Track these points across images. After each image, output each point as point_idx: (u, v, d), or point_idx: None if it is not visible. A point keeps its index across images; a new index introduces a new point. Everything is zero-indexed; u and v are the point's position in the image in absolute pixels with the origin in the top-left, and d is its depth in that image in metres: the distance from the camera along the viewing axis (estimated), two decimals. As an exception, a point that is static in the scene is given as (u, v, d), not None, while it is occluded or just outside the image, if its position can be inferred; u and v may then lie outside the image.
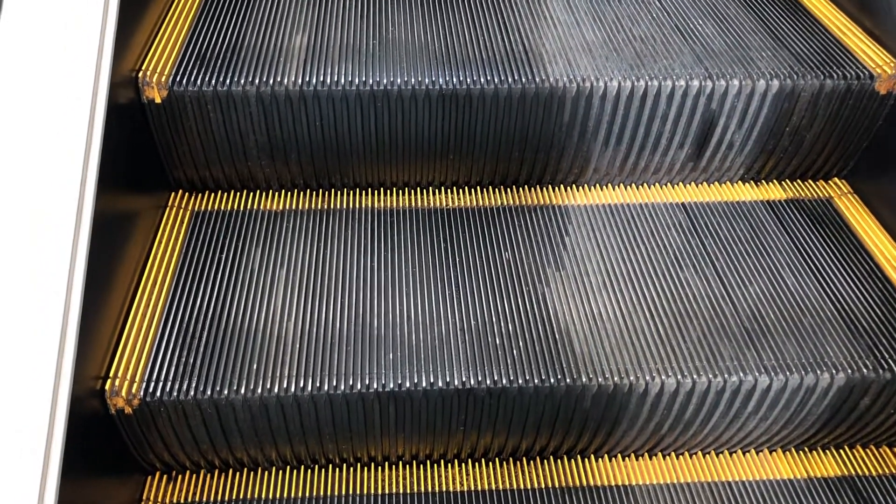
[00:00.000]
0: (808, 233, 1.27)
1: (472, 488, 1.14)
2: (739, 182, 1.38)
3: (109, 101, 1.00)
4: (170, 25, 1.27)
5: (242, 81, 1.17)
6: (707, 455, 1.19)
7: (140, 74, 1.15)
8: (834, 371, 1.05)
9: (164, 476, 1.13)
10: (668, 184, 1.37)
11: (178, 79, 1.16)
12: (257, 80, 1.17)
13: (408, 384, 1.02)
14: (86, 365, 0.91)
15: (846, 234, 1.27)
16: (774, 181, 1.39)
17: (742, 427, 1.12)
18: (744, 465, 1.17)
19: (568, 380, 1.02)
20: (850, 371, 1.05)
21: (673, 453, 1.18)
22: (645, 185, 1.36)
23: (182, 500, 1.11)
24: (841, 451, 1.20)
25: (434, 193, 1.33)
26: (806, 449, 1.20)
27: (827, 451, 1.20)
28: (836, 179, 1.39)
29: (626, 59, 1.26)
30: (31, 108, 0.94)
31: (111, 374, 0.99)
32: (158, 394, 0.99)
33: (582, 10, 1.39)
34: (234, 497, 1.11)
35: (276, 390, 1.00)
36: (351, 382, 1.01)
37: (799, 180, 1.39)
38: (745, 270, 1.19)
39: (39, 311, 0.84)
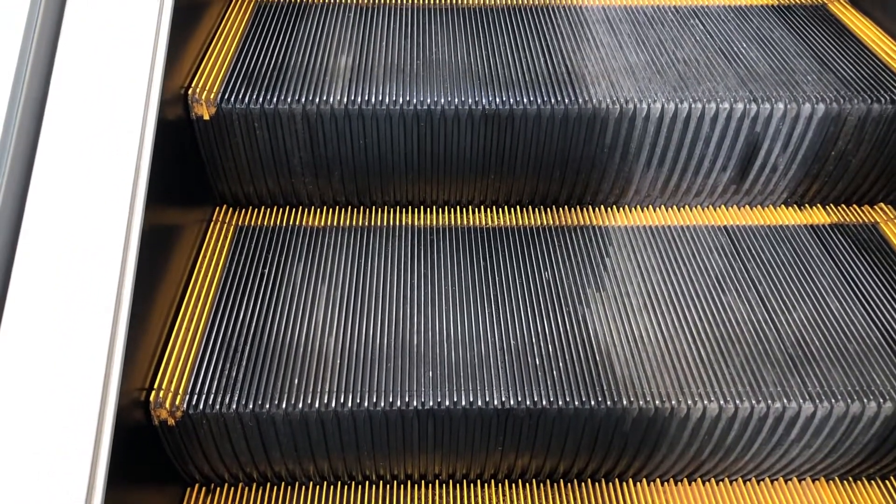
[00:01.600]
0: (853, 258, 1.25)
1: (509, 509, 1.13)
2: (783, 206, 1.37)
3: (160, 118, 1.02)
4: (218, 44, 1.29)
5: (289, 100, 1.18)
6: (748, 482, 1.17)
7: (189, 92, 1.17)
8: (881, 399, 1.03)
9: (203, 488, 1.14)
10: (711, 206, 1.36)
11: (226, 96, 1.18)
12: (303, 99, 1.19)
13: (447, 402, 1.02)
14: (132, 376, 0.92)
15: (892, 260, 1.25)
16: (818, 205, 1.37)
17: (784, 454, 1.10)
18: (785, 494, 1.15)
19: (608, 402, 1.02)
20: (897, 400, 1.03)
21: (713, 479, 1.17)
22: (687, 207, 1.35)
23: (220, 513, 1.12)
24: (887, 481, 1.17)
25: (475, 212, 1.33)
26: (850, 478, 1.17)
27: (872, 482, 1.17)
28: (882, 204, 1.37)
29: (670, 81, 1.26)
30: (85, 122, 0.97)
31: (155, 386, 1.01)
32: (201, 406, 1.00)
33: (625, 33, 1.39)
34: (271, 511, 1.12)
35: (316, 405, 1.01)
36: (391, 399, 1.02)
37: (844, 205, 1.37)
38: (788, 295, 1.18)
39: (89, 322, 0.86)
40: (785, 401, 1.03)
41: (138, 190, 0.96)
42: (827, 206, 1.37)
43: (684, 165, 1.28)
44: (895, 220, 1.34)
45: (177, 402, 1.00)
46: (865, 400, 1.03)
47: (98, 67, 1.01)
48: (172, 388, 1.01)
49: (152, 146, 0.99)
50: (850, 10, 1.49)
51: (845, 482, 1.17)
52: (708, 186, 1.31)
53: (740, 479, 1.17)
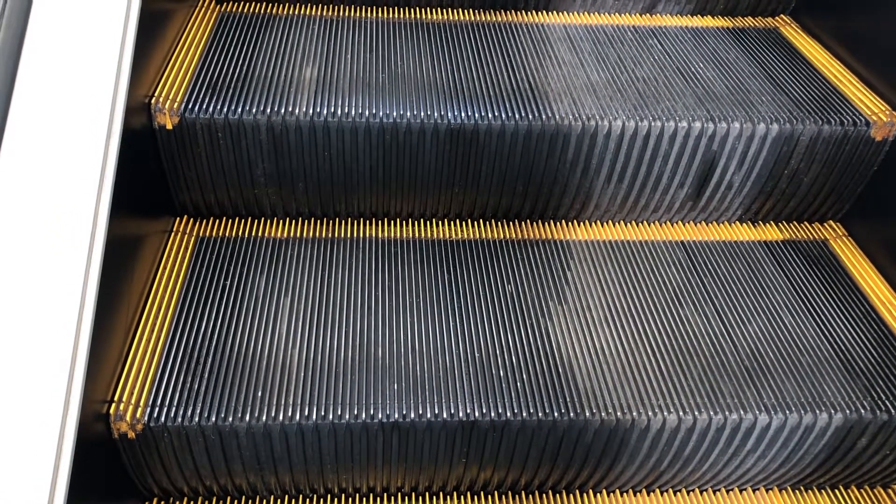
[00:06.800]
0: (805, 274, 1.29)
1: (471, 521, 1.14)
2: (737, 222, 1.40)
3: (124, 126, 1.01)
4: (182, 53, 1.28)
5: (253, 111, 1.18)
6: (704, 492, 1.19)
7: (153, 101, 1.16)
8: (832, 411, 1.07)
9: (161, 502, 1.12)
10: (668, 222, 1.39)
11: (189, 106, 1.17)
12: (268, 110, 1.18)
13: (412, 415, 1.02)
14: (93, 389, 0.90)
15: (842, 276, 1.30)
16: (771, 222, 1.41)
17: (740, 465, 1.13)
18: (740, 503, 1.18)
19: (571, 414, 1.03)
20: (847, 411, 1.07)
21: (671, 489, 1.19)
22: (645, 222, 1.38)
23: (179, 528, 1.10)
24: (836, 490, 1.21)
25: (438, 225, 1.34)
26: (802, 488, 1.21)
27: (823, 491, 1.21)
28: (831, 222, 1.42)
29: (630, 99, 1.29)
30: (50, 129, 0.95)
31: (116, 399, 0.99)
32: (162, 419, 0.99)
33: (586, 51, 1.42)
34: (232, 525, 1.11)
35: (280, 418, 1.00)
36: (355, 412, 1.02)
37: (795, 222, 1.42)
38: (743, 309, 1.21)
39: (52, 334, 0.84)
40: (741, 412, 1.06)
41: (102, 200, 0.95)
42: (780, 224, 1.41)
43: (643, 182, 1.31)
44: (844, 238, 1.38)
45: (137, 415, 0.98)
46: (818, 411, 1.06)
47: (64, 75, 0.99)
48: (133, 401, 1.00)
49: (117, 155, 0.98)
50: (800, 34, 1.54)
51: (797, 492, 1.21)
52: (666, 202, 1.34)
53: (697, 490, 1.19)
